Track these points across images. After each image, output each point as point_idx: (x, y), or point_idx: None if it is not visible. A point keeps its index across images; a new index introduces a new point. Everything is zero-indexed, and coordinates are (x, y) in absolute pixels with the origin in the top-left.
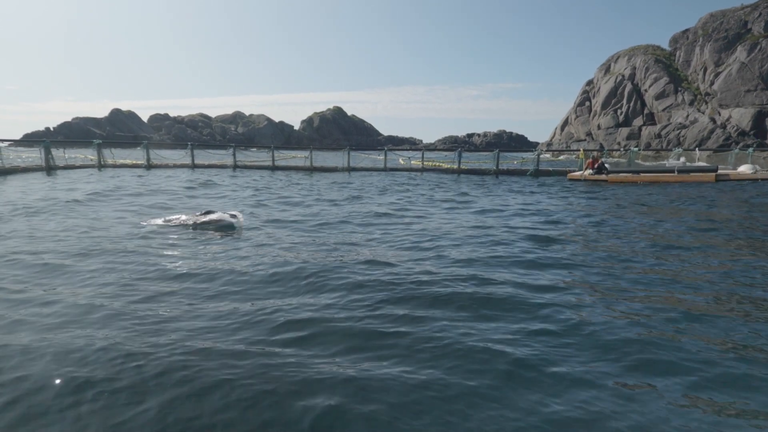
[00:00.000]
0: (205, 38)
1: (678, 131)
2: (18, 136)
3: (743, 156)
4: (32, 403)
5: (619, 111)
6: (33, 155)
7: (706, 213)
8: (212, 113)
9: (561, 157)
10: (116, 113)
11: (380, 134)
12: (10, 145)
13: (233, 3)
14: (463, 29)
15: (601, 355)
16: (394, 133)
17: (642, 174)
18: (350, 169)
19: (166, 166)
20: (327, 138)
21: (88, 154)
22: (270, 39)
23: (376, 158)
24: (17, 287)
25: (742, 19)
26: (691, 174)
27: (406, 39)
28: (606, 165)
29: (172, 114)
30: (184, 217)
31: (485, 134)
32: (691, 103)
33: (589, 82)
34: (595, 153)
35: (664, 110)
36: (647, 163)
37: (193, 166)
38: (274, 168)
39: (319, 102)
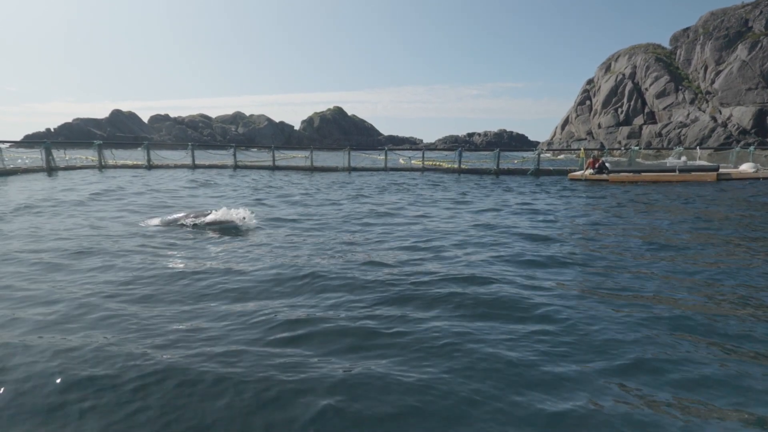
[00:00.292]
0: (206, 38)
1: (679, 130)
2: (19, 138)
3: (744, 154)
4: (28, 402)
5: (619, 110)
6: (34, 156)
7: (707, 213)
8: (212, 114)
9: (560, 157)
10: (117, 114)
11: (380, 134)
12: (10, 147)
13: (233, 3)
14: (463, 29)
15: (600, 356)
16: (394, 133)
17: (643, 174)
18: (350, 169)
19: (167, 167)
20: (327, 138)
21: (89, 155)
22: (270, 39)
23: (376, 158)
24: (18, 284)
25: (742, 17)
26: (693, 173)
27: (406, 39)
28: (607, 164)
29: (173, 114)
30: (184, 216)
31: (486, 134)
32: (692, 102)
33: (590, 81)
34: (595, 152)
35: (664, 109)
36: (648, 162)
37: (194, 167)
38: (274, 168)
39: (320, 102)
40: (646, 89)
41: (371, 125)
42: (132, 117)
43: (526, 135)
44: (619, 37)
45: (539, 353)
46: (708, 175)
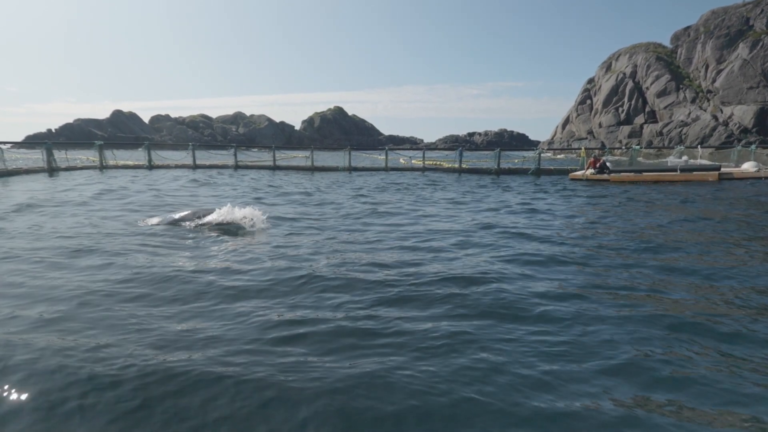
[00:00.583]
0: (206, 39)
1: (680, 129)
2: (20, 138)
3: (746, 153)
4: (24, 400)
5: (620, 109)
6: (35, 157)
7: (708, 213)
8: (213, 114)
9: (560, 156)
10: (117, 114)
11: (381, 134)
12: (11, 147)
13: (233, 3)
14: (463, 28)
15: (598, 357)
16: (394, 133)
17: (644, 173)
18: (351, 169)
19: (168, 167)
20: (328, 138)
21: (90, 156)
22: (270, 39)
23: (377, 158)
24: (19, 281)
25: (743, 15)
26: (694, 173)
27: (406, 39)
28: (608, 164)
29: (174, 115)
30: (186, 215)
31: (486, 133)
32: (693, 101)
33: (591, 80)
34: (596, 152)
35: (665, 108)
36: (649, 161)
37: (195, 167)
38: (275, 168)
39: (320, 102)
40: (647, 88)
41: (372, 125)
42: (133, 117)
43: (527, 134)
44: (619, 36)
45: (538, 353)
46: (709, 175)
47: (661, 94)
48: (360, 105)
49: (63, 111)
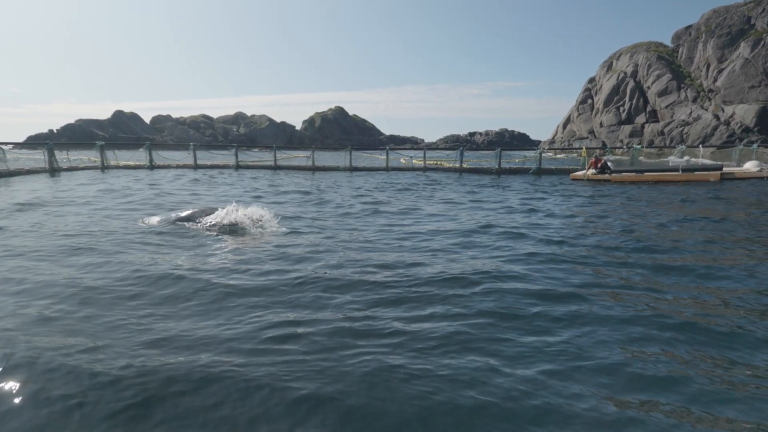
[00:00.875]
0: (206, 39)
1: (681, 128)
2: (21, 139)
3: (747, 152)
4: (24, 399)
5: (621, 108)
6: (37, 157)
7: (709, 213)
8: (214, 114)
9: (561, 156)
10: (119, 115)
11: (382, 134)
12: (13, 148)
13: (233, 3)
14: (464, 28)
15: (598, 357)
16: (395, 133)
17: (646, 173)
18: (352, 169)
19: (169, 167)
20: (329, 138)
21: (92, 156)
22: (271, 39)
23: (377, 158)
24: (20, 277)
25: (745, 14)
26: (696, 173)
27: (407, 39)
28: (609, 164)
29: (175, 115)
30: (187, 215)
31: (487, 133)
32: (695, 100)
33: (591, 80)
34: (598, 151)
35: (667, 107)
36: (651, 161)
37: (196, 167)
38: (276, 168)
39: (321, 102)
40: (648, 87)
41: (372, 125)
42: (134, 118)
43: (528, 134)
44: (620, 35)
45: (537, 353)
46: (711, 175)
47: (663, 93)
48: (361, 105)
49: (64, 111)
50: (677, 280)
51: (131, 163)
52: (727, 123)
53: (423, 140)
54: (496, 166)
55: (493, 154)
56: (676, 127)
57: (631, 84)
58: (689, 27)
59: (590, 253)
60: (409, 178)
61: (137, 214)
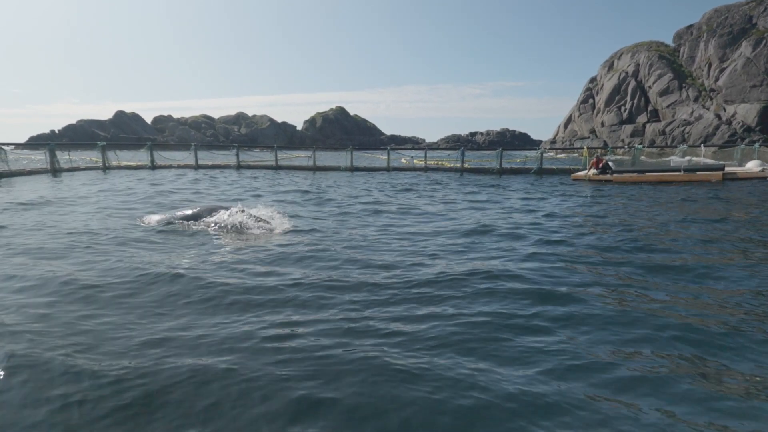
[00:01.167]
0: (207, 39)
1: (683, 128)
2: (23, 139)
3: (749, 152)
4: (24, 399)
5: (622, 108)
6: (38, 158)
7: (710, 213)
8: (215, 114)
9: (561, 156)
10: (120, 115)
11: (383, 134)
12: (15, 148)
13: (233, 3)
14: (464, 28)
15: (598, 357)
16: (396, 133)
17: (647, 173)
18: (353, 169)
19: (170, 167)
20: (330, 138)
21: (93, 156)
22: (271, 40)
23: (378, 158)
24: (21, 274)
25: (746, 14)
26: (698, 173)
27: (407, 39)
28: (610, 164)
29: (176, 115)
30: (188, 214)
31: (488, 133)
32: (696, 100)
33: (593, 80)
34: (599, 151)
35: (668, 107)
36: (652, 161)
37: (197, 167)
38: (277, 167)
39: (322, 102)
40: (650, 87)
41: (373, 125)
42: (135, 118)
43: (529, 134)
44: (621, 35)
45: (537, 352)
46: (713, 175)
47: (664, 92)
48: (362, 105)
49: (66, 112)
50: (677, 280)
51: (133, 163)
52: (729, 122)
53: (424, 140)
54: (498, 166)
55: (494, 154)
56: (678, 126)
57: (633, 83)
58: (691, 26)
59: (590, 254)
60: (410, 178)
61: (139, 214)
